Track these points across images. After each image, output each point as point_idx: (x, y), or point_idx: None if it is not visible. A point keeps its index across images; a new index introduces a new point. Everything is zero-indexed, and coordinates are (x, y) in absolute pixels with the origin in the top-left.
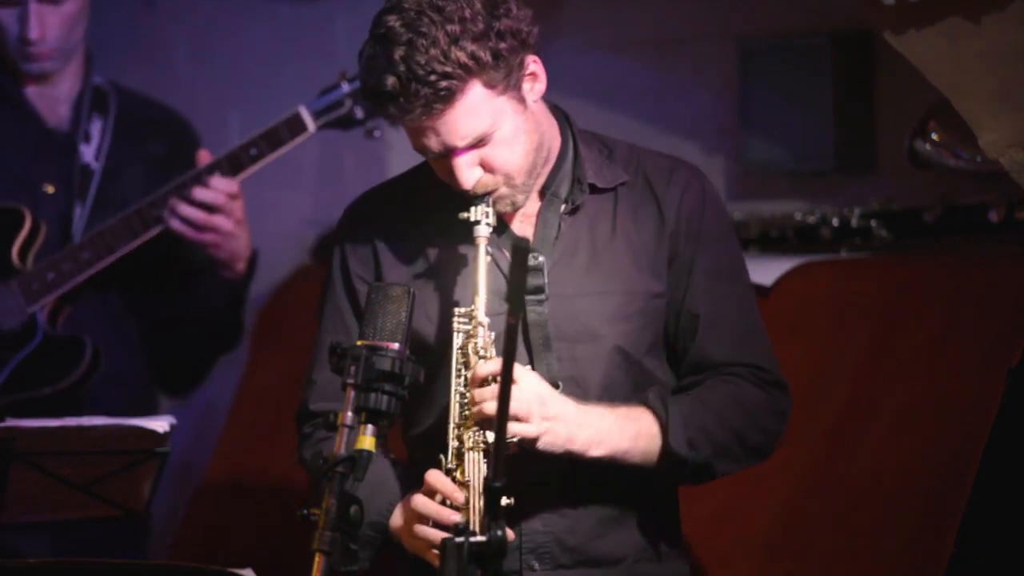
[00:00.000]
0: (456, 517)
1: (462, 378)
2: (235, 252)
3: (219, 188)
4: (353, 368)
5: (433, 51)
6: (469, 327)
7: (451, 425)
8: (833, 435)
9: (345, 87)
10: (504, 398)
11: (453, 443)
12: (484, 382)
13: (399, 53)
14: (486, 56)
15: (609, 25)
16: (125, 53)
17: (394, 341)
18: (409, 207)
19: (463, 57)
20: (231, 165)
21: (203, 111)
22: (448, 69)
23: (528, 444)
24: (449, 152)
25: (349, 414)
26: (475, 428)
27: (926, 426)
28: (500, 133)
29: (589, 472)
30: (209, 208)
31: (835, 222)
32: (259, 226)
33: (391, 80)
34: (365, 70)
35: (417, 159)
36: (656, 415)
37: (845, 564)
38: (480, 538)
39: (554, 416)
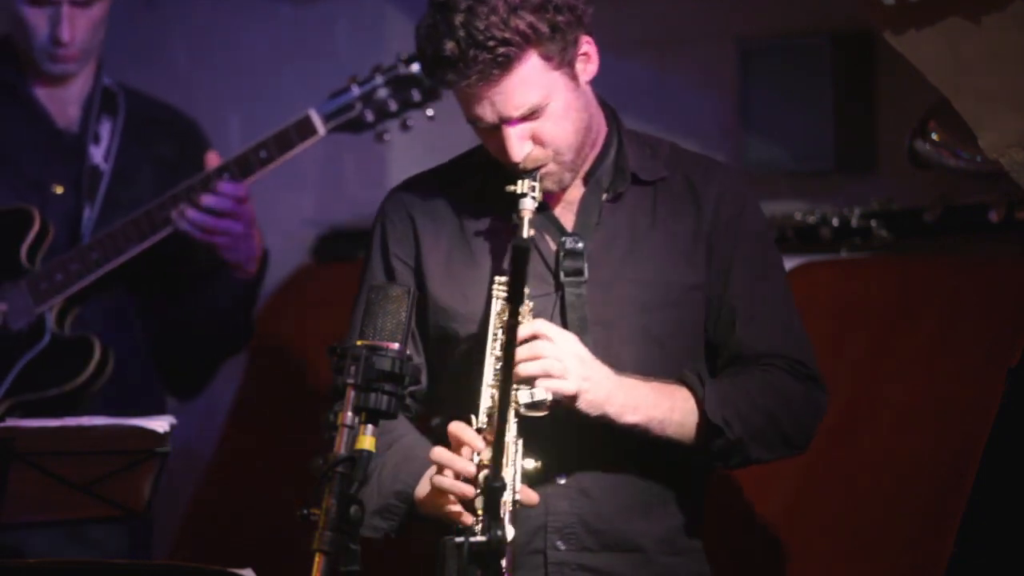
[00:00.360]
0: (470, 468)
1: (498, 341)
2: (247, 253)
3: (227, 193)
4: (353, 368)
5: (493, 18)
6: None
7: (484, 385)
8: (833, 435)
9: (355, 90)
10: (504, 399)
11: (486, 402)
12: (522, 343)
13: (459, 19)
14: (544, 27)
15: (609, 25)
16: (125, 53)
17: (394, 341)
18: (449, 193)
19: (522, 25)
20: (240, 168)
21: (203, 111)
22: (507, 35)
23: (567, 402)
24: (503, 122)
25: (349, 414)
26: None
27: (926, 426)
28: (553, 107)
29: (617, 455)
30: (218, 214)
31: (835, 222)
32: (260, 226)
33: (450, 45)
34: (424, 38)
35: (453, 150)
36: (692, 390)
37: (845, 564)
38: (480, 538)
39: (591, 376)
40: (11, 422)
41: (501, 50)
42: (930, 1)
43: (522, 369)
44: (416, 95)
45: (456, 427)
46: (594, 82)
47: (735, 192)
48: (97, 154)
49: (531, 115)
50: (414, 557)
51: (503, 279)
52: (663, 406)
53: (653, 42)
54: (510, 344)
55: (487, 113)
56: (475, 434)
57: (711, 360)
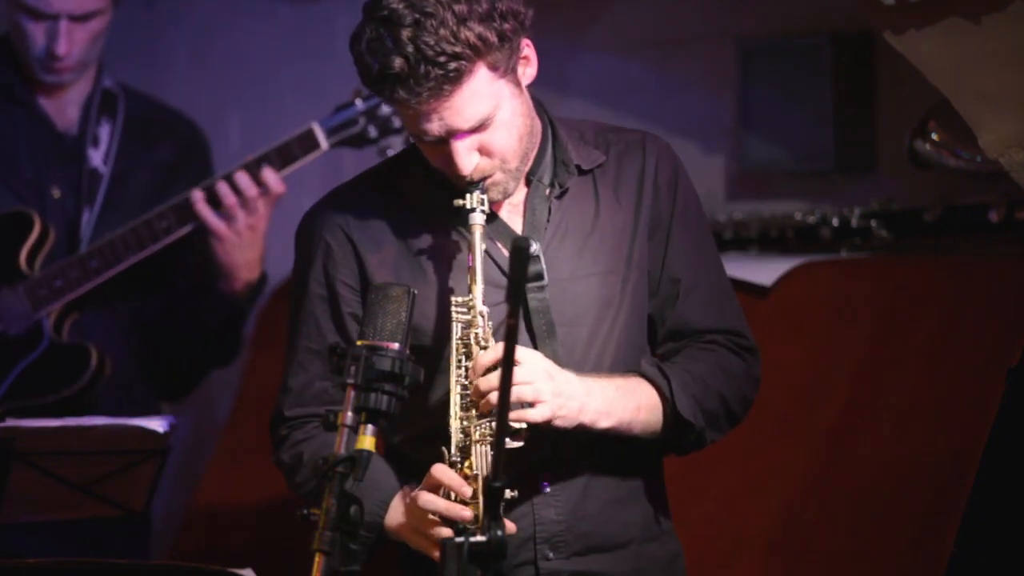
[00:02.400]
0: (467, 513)
1: (463, 369)
2: (242, 259)
3: (267, 180)
4: (353, 368)
5: (443, 31)
6: (468, 317)
7: (453, 418)
8: (833, 435)
9: (360, 105)
10: (504, 399)
11: (457, 436)
12: (487, 371)
13: (406, 34)
14: (492, 37)
15: (609, 25)
16: (125, 53)
17: (394, 341)
18: (385, 203)
19: (472, 38)
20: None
21: (203, 111)
22: (458, 49)
23: (544, 427)
24: (450, 136)
25: (349, 414)
26: (480, 419)
27: (926, 426)
28: (500, 116)
29: (593, 456)
30: (244, 200)
31: (835, 222)
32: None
33: (399, 61)
34: (368, 53)
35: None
36: (656, 385)
37: (845, 564)
38: (480, 538)
39: (564, 391)
40: (11, 422)
41: (452, 65)
42: (930, 1)
43: (493, 398)
44: None
45: (439, 471)
46: (596, 82)
47: (669, 167)
48: (96, 156)
49: (479, 127)
50: (414, 557)
51: (460, 300)
52: (630, 406)
53: (653, 42)
54: (510, 344)
55: (434, 128)
56: (460, 479)
57: (649, 331)
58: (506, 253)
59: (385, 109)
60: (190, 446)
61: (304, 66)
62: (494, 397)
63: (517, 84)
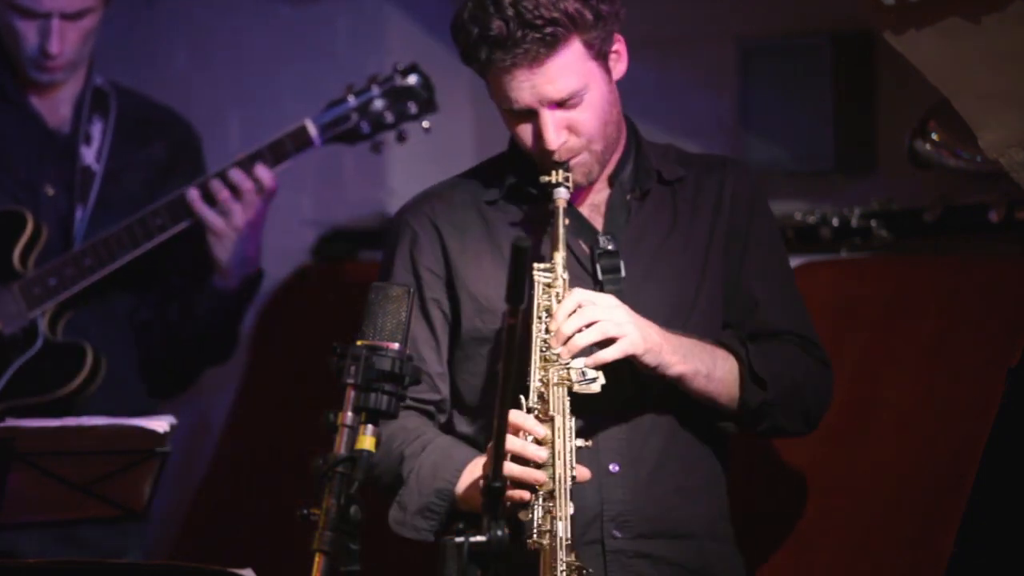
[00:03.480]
0: (543, 453)
1: (543, 323)
2: (239, 256)
3: (260, 176)
4: (353, 368)
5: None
6: (549, 279)
7: (532, 367)
8: (833, 435)
9: (352, 101)
10: (504, 400)
11: (536, 384)
12: (571, 314)
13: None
14: (588, 15)
15: None
16: (125, 53)
17: (394, 341)
18: (471, 200)
19: (570, 8)
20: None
21: (203, 111)
22: (556, 15)
23: (635, 353)
24: (541, 105)
25: (349, 414)
26: (561, 365)
27: (926, 426)
28: (590, 96)
29: (665, 442)
30: (238, 195)
31: (835, 222)
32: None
33: (498, 23)
34: (470, 20)
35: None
36: (734, 351)
37: (845, 564)
38: (480, 538)
39: (642, 327)
40: (11, 422)
41: (549, 30)
42: (930, 1)
43: (580, 339)
44: (412, 107)
45: (516, 415)
46: None
47: (747, 187)
48: (88, 155)
49: (569, 101)
50: (414, 557)
51: (542, 266)
52: (706, 360)
53: (653, 42)
54: (511, 343)
55: (525, 96)
56: (534, 420)
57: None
58: (585, 249)
59: (378, 104)
60: (190, 445)
61: (304, 66)
62: (578, 339)
63: (608, 73)
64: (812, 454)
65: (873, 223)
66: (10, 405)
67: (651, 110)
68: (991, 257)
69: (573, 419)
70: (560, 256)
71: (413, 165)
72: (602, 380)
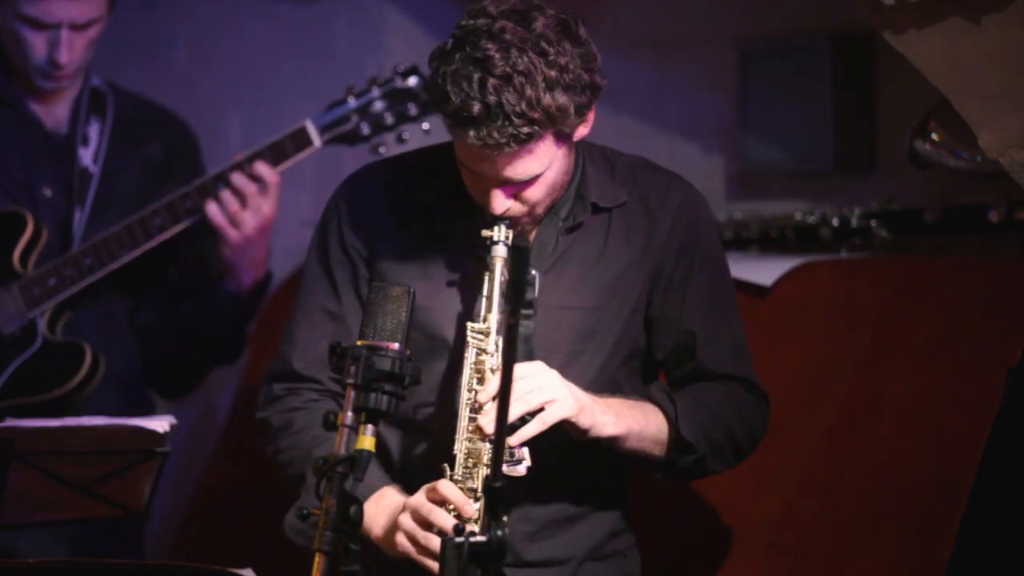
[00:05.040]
0: (449, 523)
1: (473, 393)
2: (250, 259)
3: (261, 174)
4: (353, 368)
5: (529, 92)
6: (483, 344)
7: (460, 437)
8: (833, 435)
9: (352, 102)
10: (504, 398)
11: (461, 455)
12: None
13: (493, 83)
14: (570, 109)
15: (609, 25)
16: (125, 53)
17: (394, 341)
18: (413, 194)
19: (552, 106)
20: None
21: (203, 111)
22: (536, 115)
23: (572, 423)
24: (495, 181)
25: (349, 414)
26: (483, 444)
27: (926, 426)
28: (546, 174)
29: (546, 473)
30: (242, 197)
31: (835, 222)
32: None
33: (478, 107)
34: (452, 83)
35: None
36: (663, 408)
37: (845, 564)
38: (480, 538)
39: (574, 391)
40: (11, 421)
41: (526, 129)
42: (930, 1)
43: (517, 409)
44: (412, 109)
45: (446, 487)
46: None
47: (691, 216)
48: (86, 156)
49: (525, 181)
50: (380, 561)
51: (476, 327)
52: (638, 419)
53: (653, 43)
54: (512, 342)
55: (485, 171)
56: (466, 498)
57: (648, 377)
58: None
59: (378, 106)
60: (190, 445)
61: (304, 66)
62: (518, 407)
63: (571, 146)
64: (811, 453)
65: (873, 223)
66: (8, 404)
67: (650, 111)
68: (991, 257)
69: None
70: (493, 318)
71: None
72: (528, 462)
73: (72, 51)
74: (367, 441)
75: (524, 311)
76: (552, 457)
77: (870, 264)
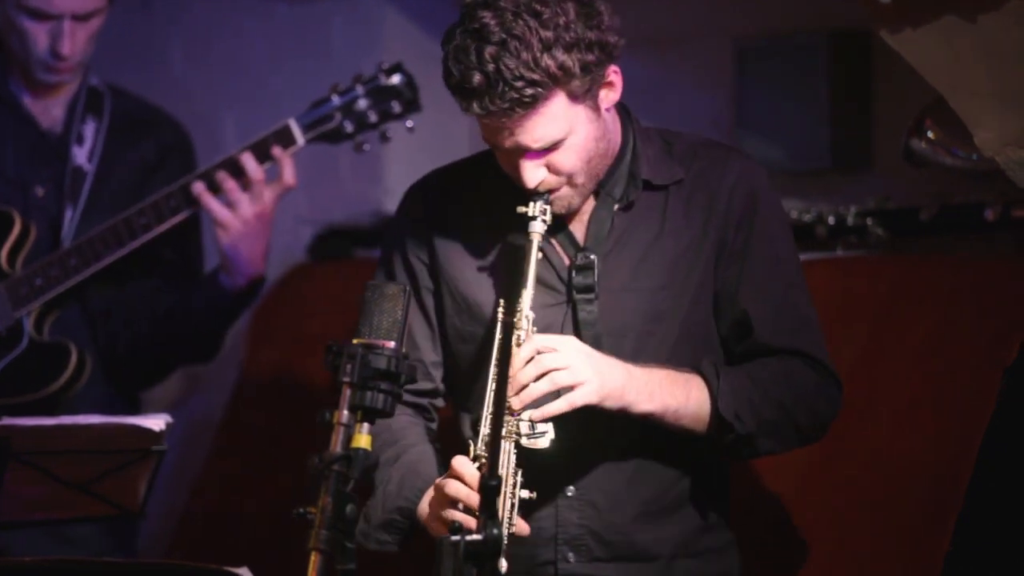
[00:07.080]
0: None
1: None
2: (247, 253)
3: (248, 171)
4: (349, 366)
5: (525, 55)
6: (513, 319)
7: (485, 412)
8: (829, 433)
9: (336, 100)
10: (501, 395)
11: (485, 430)
12: (527, 362)
13: (490, 52)
14: (574, 67)
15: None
16: (121, 53)
17: (390, 339)
18: (468, 196)
19: (552, 66)
20: (226, 172)
21: (199, 111)
22: (536, 76)
23: (592, 403)
24: (519, 152)
25: (345, 412)
26: (510, 417)
27: (923, 425)
28: (572, 140)
29: (626, 464)
30: (243, 183)
31: (831, 221)
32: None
33: (478, 77)
34: (453, 59)
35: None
36: (707, 381)
37: (842, 562)
38: (476, 536)
39: (604, 370)
40: (6, 420)
41: (529, 91)
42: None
43: (534, 390)
44: (396, 107)
45: (459, 463)
46: None
47: (749, 188)
48: (80, 155)
49: (550, 147)
50: (413, 557)
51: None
52: (678, 395)
53: (650, 41)
54: (506, 340)
55: (505, 141)
56: (475, 471)
57: (725, 353)
58: (566, 261)
59: (361, 104)
60: (186, 444)
61: (300, 66)
62: (532, 390)
63: (595, 108)
64: (808, 452)
65: (869, 221)
66: None
67: (647, 108)
68: (987, 256)
69: (519, 472)
70: (527, 294)
71: (409, 163)
72: (551, 435)
73: (75, 42)
74: (363, 440)
75: (585, 296)
76: (636, 452)
77: (866, 262)
